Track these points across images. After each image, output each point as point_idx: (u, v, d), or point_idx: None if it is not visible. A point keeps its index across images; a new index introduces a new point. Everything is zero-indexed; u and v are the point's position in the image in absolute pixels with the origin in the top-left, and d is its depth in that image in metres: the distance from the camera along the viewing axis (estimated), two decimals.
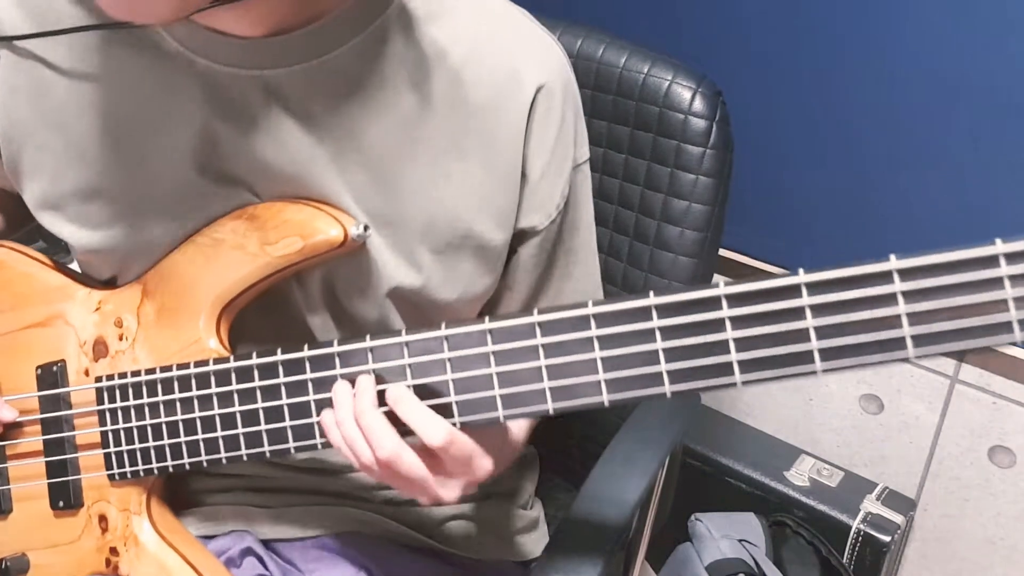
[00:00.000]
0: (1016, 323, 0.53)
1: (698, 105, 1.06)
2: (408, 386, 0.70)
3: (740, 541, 1.60)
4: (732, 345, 0.60)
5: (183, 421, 0.78)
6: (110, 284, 0.87)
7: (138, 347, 0.83)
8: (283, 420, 0.75)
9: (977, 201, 1.44)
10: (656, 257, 1.12)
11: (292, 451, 0.75)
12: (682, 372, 0.62)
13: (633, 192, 1.13)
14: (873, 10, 1.43)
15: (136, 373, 0.80)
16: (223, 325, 0.81)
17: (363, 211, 0.79)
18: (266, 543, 0.94)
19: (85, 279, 0.88)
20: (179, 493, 0.93)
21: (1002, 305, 0.54)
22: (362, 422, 0.70)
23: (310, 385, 0.74)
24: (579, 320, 0.65)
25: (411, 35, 0.78)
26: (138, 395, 0.80)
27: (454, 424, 0.69)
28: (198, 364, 0.77)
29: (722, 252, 1.68)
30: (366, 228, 0.77)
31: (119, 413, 0.82)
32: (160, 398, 0.79)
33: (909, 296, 0.56)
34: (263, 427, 0.76)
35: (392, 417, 0.71)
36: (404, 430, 0.70)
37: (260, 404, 0.75)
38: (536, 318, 0.66)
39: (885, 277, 0.56)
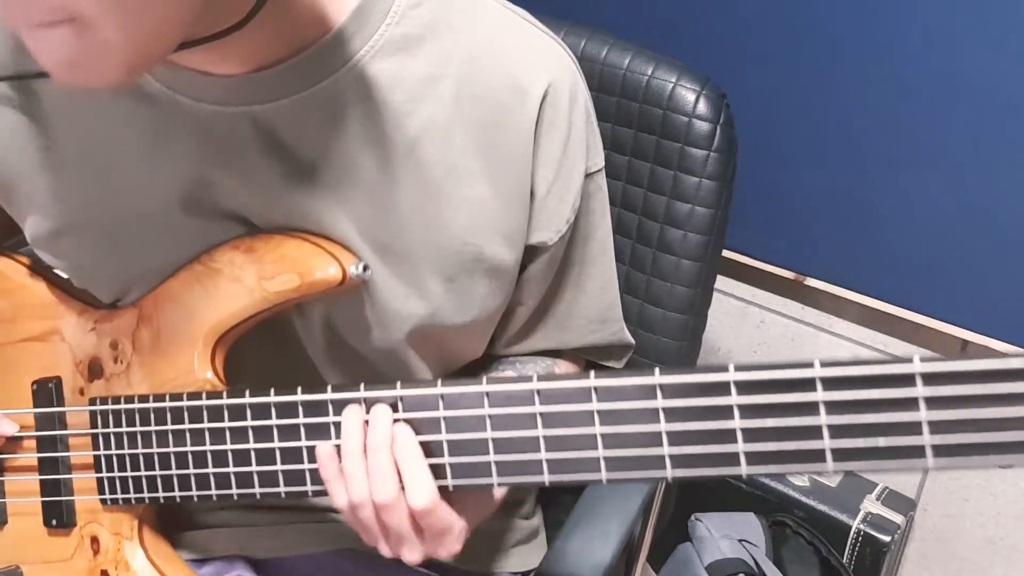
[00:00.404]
0: None
1: (702, 108, 1.04)
2: None
3: (740, 541, 1.59)
4: (740, 435, 0.56)
5: (175, 454, 0.75)
6: (112, 304, 0.84)
7: (133, 371, 0.79)
8: (274, 463, 0.71)
9: (978, 202, 1.41)
10: (659, 260, 1.10)
11: (283, 495, 0.72)
12: (685, 458, 0.58)
13: (636, 195, 1.11)
14: (875, 12, 1.39)
15: (130, 399, 0.77)
16: (218, 356, 0.77)
17: (367, 242, 0.74)
18: (260, 564, 0.91)
19: (84, 296, 0.85)
20: (174, 513, 0.90)
21: None
22: (371, 458, 0.66)
23: (302, 430, 0.70)
24: (580, 392, 0.60)
25: (403, 58, 0.72)
26: (131, 422, 0.77)
27: (445, 487, 0.65)
28: (191, 397, 0.74)
29: (725, 253, 1.65)
30: (366, 268, 0.72)
31: (112, 438, 0.78)
32: (153, 428, 0.76)
33: (932, 403, 0.51)
34: (254, 468, 0.72)
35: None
36: None
37: (252, 445, 0.72)
38: (536, 385, 0.62)
39: (908, 380, 0.51)
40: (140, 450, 0.77)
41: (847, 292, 1.61)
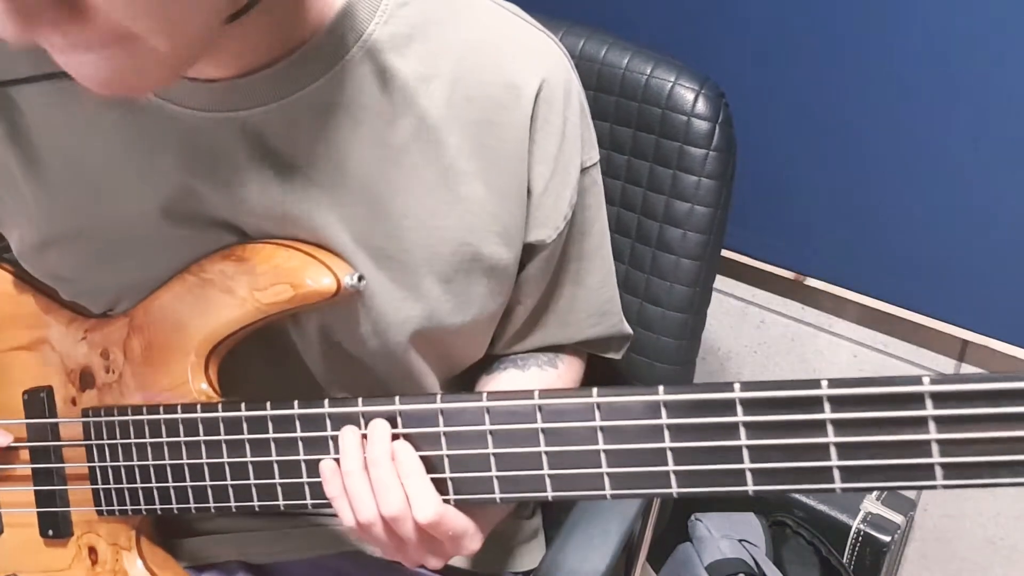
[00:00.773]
0: None
1: (701, 107, 1.03)
2: None
3: (740, 541, 1.58)
4: (746, 453, 0.55)
5: (171, 466, 0.74)
6: (102, 314, 0.82)
7: (125, 381, 0.78)
8: (273, 477, 0.70)
9: (978, 202, 1.40)
10: (658, 259, 1.09)
11: (281, 508, 0.71)
12: (690, 475, 0.57)
13: (635, 194, 1.10)
14: (875, 11, 1.37)
15: (123, 410, 0.76)
16: (212, 367, 0.76)
17: (361, 246, 0.73)
18: (260, 569, 0.90)
19: (73, 304, 0.83)
20: (173, 520, 0.89)
21: None
22: (373, 472, 0.65)
23: (300, 444, 0.69)
24: (584, 409, 0.59)
25: (393, 58, 0.71)
26: (125, 434, 0.76)
27: (447, 502, 0.64)
28: (186, 409, 0.73)
29: (725, 253, 1.64)
30: (360, 278, 0.71)
31: (106, 449, 0.77)
32: (148, 440, 0.74)
33: (942, 422, 0.50)
34: (252, 481, 0.71)
35: None
36: None
37: (249, 458, 0.71)
38: (538, 401, 0.61)
39: (916, 400, 0.50)
40: (135, 462, 0.75)
41: (847, 292, 1.60)
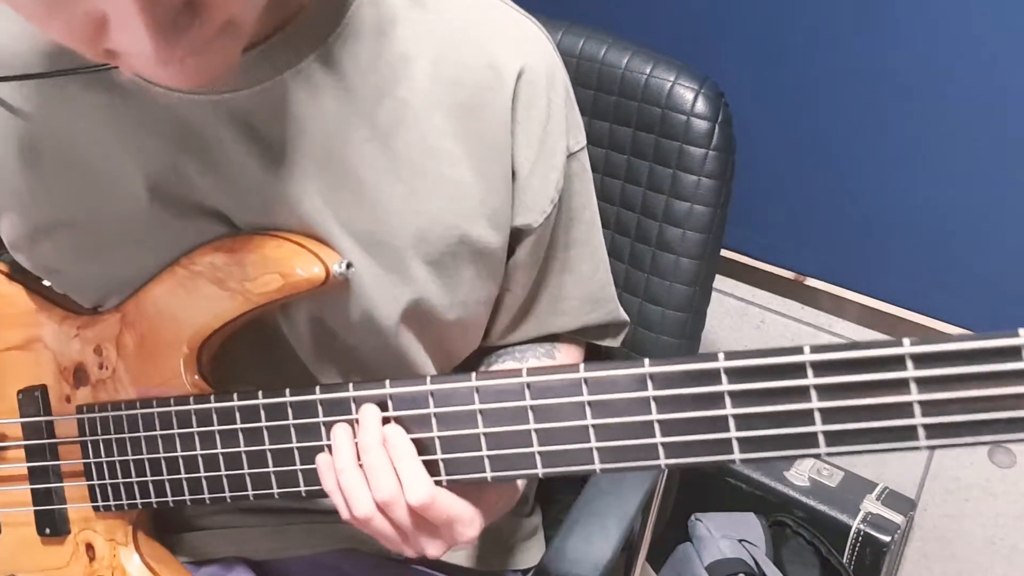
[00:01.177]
0: None
1: (700, 106, 1.03)
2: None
3: (740, 541, 1.57)
4: (732, 422, 0.55)
5: (165, 459, 0.74)
6: (93, 309, 0.82)
7: (119, 377, 0.78)
8: (266, 465, 0.70)
9: (978, 202, 1.41)
10: (658, 259, 1.10)
11: (276, 496, 0.71)
12: (678, 446, 0.57)
13: (635, 193, 1.10)
14: (875, 11, 1.38)
15: (117, 406, 0.76)
16: (205, 359, 0.76)
17: (347, 231, 0.73)
18: (259, 566, 0.90)
19: (65, 301, 0.83)
20: (171, 516, 0.89)
21: (1022, 400, 0.48)
22: (365, 459, 0.65)
23: (292, 432, 0.69)
24: (571, 384, 0.59)
25: (376, 41, 0.71)
26: (119, 429, 0.76)
27: (440, 483, 0.65)
28: (179, 401, 0.73)
29: (725, 253, 1.65)
30: (349, 266, 0.71)
31: (101, 445, 0.77)
32: (142, 433, 0.75)
33: (923, 383, 0.50)
34: (246, 471, 0.71)
35: None
36: None
37: (243, 448, 0.71)
38: (526, 379, 0.61)
39: (898, 362, 0.50)
40: (130, 456, 0.76)
41: (847, 292, 1.60)
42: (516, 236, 0.80)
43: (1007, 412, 0.48)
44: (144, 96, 0.71)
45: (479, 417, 0.63)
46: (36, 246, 0.78)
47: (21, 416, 0.82)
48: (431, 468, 0.65)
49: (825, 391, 0.52)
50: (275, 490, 0.70)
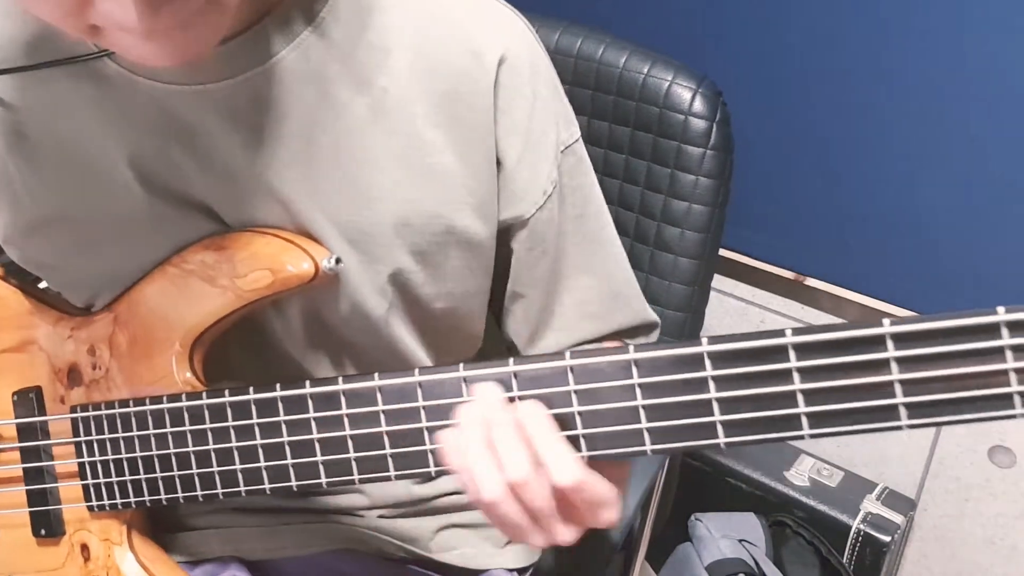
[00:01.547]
0: (1017, 396, 0.48)
1: (698, 106, 1.04)
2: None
3: (740, 541, 1.57)
4: (716, 406, 0.55)
5: (158, 457, 0.74)
6: (86, 310, 0.83)
7: (112, 377, 0.78)
8: (258, 461, 0.70)
9: (978, 202, 1.40)
10: (656, 258, 1.10)
11: (267, 491, 0.71)
12: (663, 431, 0.57)
13: (633, 193, 1.10)
14: (873, 10, 1.39)
15: (110, 405, 0.76)
16: (197, 357, 0.76)
17: (332, 222, 0.72)
18: (254, 565, 0.89)
19: (58, 303, 0.84)
20: (166, 516, 0.89)
21: (1002, 376, 0.48)
22: (494, 434, 0.59)
23: (283, 427, 0.69)
24: (557, 373, 0.59)
25: (356, 30, 0.71)
26: (113, 428, 0.76)
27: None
28: (171, 399, 0.73)
29: (725, 253, 1.65)
30: (338, 261, 0.71)
31: (95, 445, 0.77)
32: (135, 432, 0.74)
33: (904, 363, 0.50)
34: (238, 466, 0.71)
35: None
36: None
37: (234, 443, 0.71)
38: (513, 368, 0.61)
39: (878, 342, 0.50)
40: (123, 455, 0.75)
41: (847, 292, 1.60)
42: (508, 229, 0.79)
43: (988, 389, 0.48)
44: (131, 88, 0.71)
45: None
46: (29, 241, 0.78)
47: (16, 417, 0.82)
48: (421, 459, 0.64)
49: (807, 373, 0.52)
50: (266, 485, 0.70)
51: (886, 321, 0.50)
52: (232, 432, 0.70)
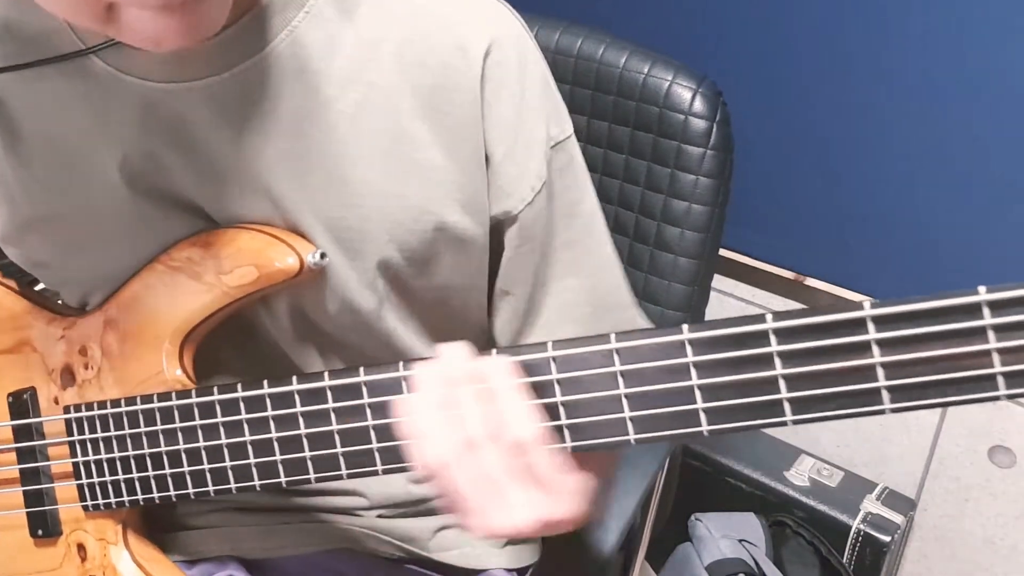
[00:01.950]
0: (1000, 376, 0.46)
1: (698, 106, 1.03)
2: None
3: (740, 541, 1.56)
4: (698, 394, 0.53)
5: (150, 455, 0.73)
6: (79, 309, 0.82)
7: (104, 376, 0.78)
8: (247, 457, 0.69)
9: (979, 202, 1.39)
10: (656, 258, 1.09)
11: (257, 488, 0.70)
12: (646, 419, 0.55)
13: (633, 193, 1.10)
14: (874, 10, 1.38)
15: (103, 405, 0.75)
16: (187, 355, 0.75)
17: (320, 218, 0.71)
18: (252, 564, 0.88)
19: (51, 304, 0.83)
20: (163, 515, 0.88)
21: (985, 357, 0.46)
22: (451, 392, 0.56)
23: (272, 423, 0.68)
24: (543, 363, 0.58)
25: (341, 24, 0.70)
26: (105, 427, 0.75)
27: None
28: (161, 397, 0.72)
29: (725, 253, 1.63)
30: (323, 255, 0.70)
31: (88, 444, 0.76)
32: (127, 431, 0.74)
33: (885, 345, 0.48)
34: (228, 463, 0.70)
35: None
36: None
37: (224, 440, 0.70)
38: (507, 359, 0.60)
39: (859, 324, 0.49)
40: (116, 454, 0.75)
41: (847, 292, 1.59)
42: (499, 226, 0.77)
43: (971, 371, 0.47)
44: (119, 87, 0.70)
45: None
46: (24, 239, 0.78)
47: (12, 419, 0.81)
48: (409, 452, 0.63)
49: (788, 358, 0.51)
50: (256, 482, 0.69)
51: (866, 303, 0.49)
52: (221, 429, 0.70)
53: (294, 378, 0.66)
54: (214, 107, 0.69)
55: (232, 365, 0.79)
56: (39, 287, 0.87)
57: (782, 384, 0.51)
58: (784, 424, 0.51)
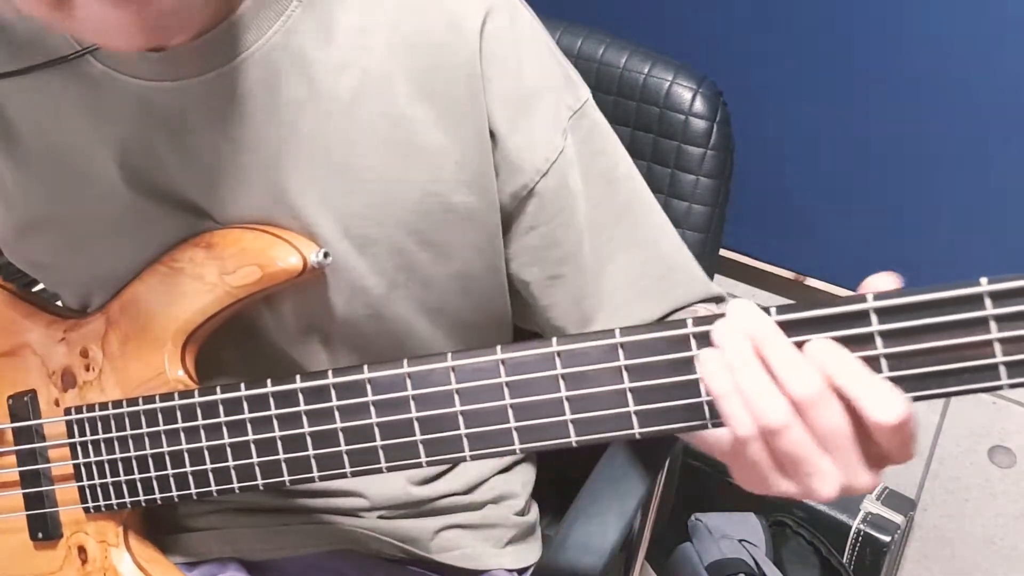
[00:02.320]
0: (1002, 366, 0.47)
1: (699, 106, 1.03)
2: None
3: (740, 541, 1.56)
4: (702, 387, 0.54)
5: (152, 456, 0.73)
6: (80, 311, 0.82)
7: (105, 378, 0.78)
8: (250, 456, 0.69)
9: (979, 202, 1.39)
10: None
11: (260, 487, 0.70)
12: (651, 413, 0.56)
13: None
14: (874, 9, 1.38)
15: (104, 406, 0.75)
16: (188, 355, 0.75)
17: (326, 211, 0.71)
18: (253, 566, 0.89)
19: (51, 307, 0.84)
20: (164, 517, 0.88)
21: (987, 347, 0.47)
22: (767, 351, 0.49)
23: (275, 421, 0.68)
24: (544, 358, 0.58)
25: (332, 12, 0.70)
26: (107, 429, 0.75)
27: (420, 463, 0.63)
28: (163, 398, 0.72)
29: (725, 253, 1.64)
30: (326, 255, 0.71)
31: (89, 446, 0.77)
32: (128, 432, 0.74)
33: (887, 336, 0.49)
34: (231, 463, 0.70)
35: None
36: None
37: (226, 440, 0.70)
38: (500, 356, 0.59)
39: (862, 316, 0.50)
40: (118, 455, 0.75)
41: (847, 292, 1.59)
42: (520, 204, 0.75)
43: (972, 361, 0.47)
44: (115, 86, 0.70)
45: (456, 396, 0.61)
46: (24, 241, 0.78)
47: (12, 422, 0.82)
48: (412, 450, 0.63)
49: None
50: (259, 481, 0.69)
51: (869, 295, 0.49)
52: (224, 428, 0.70)
53: (297, 377, 0.67)
54: (208, 105, 0.69)
55: (234, 366, 0.80)
56: (38, 288, 0.87)
57: None
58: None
